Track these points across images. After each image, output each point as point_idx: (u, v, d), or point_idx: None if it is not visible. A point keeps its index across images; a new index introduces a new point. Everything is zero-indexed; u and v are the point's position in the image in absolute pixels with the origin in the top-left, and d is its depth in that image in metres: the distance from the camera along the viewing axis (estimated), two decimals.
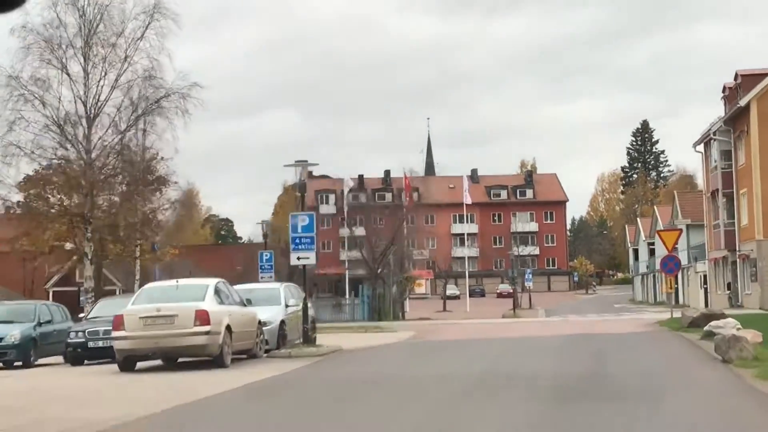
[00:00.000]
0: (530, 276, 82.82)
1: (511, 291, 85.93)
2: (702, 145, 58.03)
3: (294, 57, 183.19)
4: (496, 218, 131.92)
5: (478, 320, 52.05)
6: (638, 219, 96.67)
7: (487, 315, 63.52)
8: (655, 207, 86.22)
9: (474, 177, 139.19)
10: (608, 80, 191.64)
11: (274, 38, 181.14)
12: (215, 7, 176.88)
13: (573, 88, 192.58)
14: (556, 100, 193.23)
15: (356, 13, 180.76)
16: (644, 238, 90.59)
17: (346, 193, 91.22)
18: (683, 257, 69.90)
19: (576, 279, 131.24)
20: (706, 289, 62.77)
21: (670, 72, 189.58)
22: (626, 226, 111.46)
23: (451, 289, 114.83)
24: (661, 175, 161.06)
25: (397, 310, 55.83)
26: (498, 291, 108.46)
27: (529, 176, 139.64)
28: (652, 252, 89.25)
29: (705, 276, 62.71)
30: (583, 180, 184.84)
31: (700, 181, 70.25)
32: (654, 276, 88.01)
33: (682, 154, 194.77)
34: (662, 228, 77.33)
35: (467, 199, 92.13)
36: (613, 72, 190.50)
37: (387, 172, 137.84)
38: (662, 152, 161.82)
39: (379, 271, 54.63)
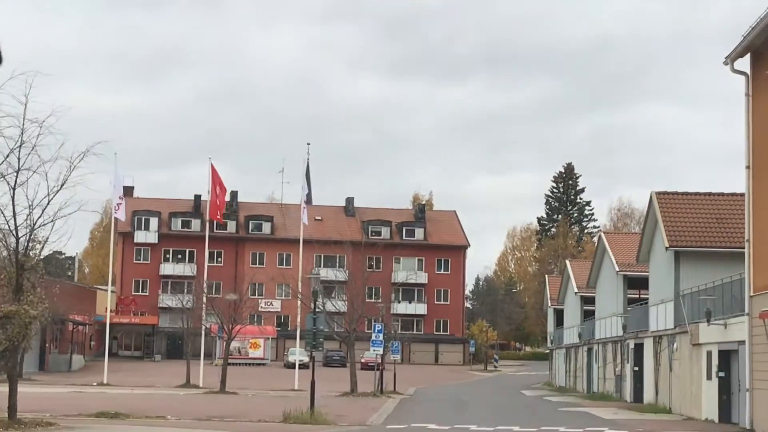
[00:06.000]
0: (380, 340, 50.04)
1: (378, 362, 54.54)
2: (747, 57, 25.91)
3: (231, 110, 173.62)
4: (374, 263, 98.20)
5: None
6: (567, 262, 64.36)
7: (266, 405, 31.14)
8: (602, 234, 53.80)
9: (348, 208, 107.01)
10: (543, 154, 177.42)
11: (215, 89, 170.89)
12: (155, 54, 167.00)
13: (507, 159, 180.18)
14: (490, 171, 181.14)
15: (302, 69, 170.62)
16: (576, 290, 58.60)
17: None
18: (660, 314, 37.41)
19: (473, 350, 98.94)
20: (724, 382, 30.02)
21: (606, 150, 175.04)
22: (546, 277, 79.37)
23: (298, 355, 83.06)
24: (585, 230, 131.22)
25: None
26: (363, 360, 75.89)
27: (421, 212, 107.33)
28: (588, 313, 56.95)
29: (725, 354, 29.93)
30: (496, 245, 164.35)
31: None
32: (590, 350, 55.50)
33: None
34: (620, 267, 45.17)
35: (304, 218, 60.08)
36: (549, 147, 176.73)
37: (234, 194, 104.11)
38: (588, 204, 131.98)
39: None
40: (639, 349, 42.85)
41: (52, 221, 23.39)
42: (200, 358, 57.10)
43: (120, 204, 54.80)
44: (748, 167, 26.13)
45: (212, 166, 57.74)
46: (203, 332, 59.17)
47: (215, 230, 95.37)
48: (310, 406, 28.20)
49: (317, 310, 32.18)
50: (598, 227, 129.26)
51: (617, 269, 46.51)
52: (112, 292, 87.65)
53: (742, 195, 31.44)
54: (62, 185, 23.54)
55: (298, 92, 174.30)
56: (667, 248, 35.62)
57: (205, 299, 58.30)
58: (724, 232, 35.67)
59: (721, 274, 31.41)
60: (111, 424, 24.99)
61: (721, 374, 30.38)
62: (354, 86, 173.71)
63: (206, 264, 63.79)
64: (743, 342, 26.91)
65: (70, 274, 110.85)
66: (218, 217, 60.33)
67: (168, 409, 31.69)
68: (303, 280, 64.09)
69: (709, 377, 31.47)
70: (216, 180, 58.22)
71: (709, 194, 37.98)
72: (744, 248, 27.11)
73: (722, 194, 37.82)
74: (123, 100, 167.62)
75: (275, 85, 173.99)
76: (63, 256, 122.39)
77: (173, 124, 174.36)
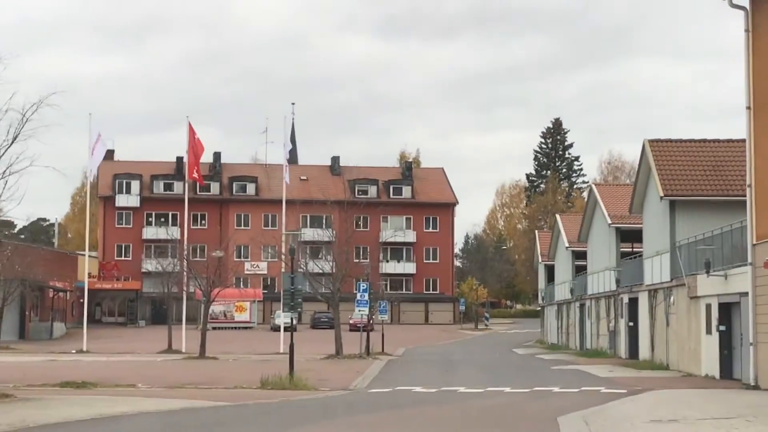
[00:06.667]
0: (366, 300, 48.71)
1: (365, 323, 52.84)
2: None
3: (215, 73, 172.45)
4: (361, 222, 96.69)
5: None
6: (558, 216, 62.93)
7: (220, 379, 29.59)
8: (593, 186, 52.17)
9: (334, 167, 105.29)
10: (533, 112, 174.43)
11: (200, 52, 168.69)
12: (141, 17, 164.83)
13: (496, 117, 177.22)
14: (478, 129, 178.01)
15: (290, 31, 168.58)
16: (567, 245, 57.16)
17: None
18: (655, 267, 35.94)
19: (463, 308, 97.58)
20: (725, 336, 28.66)
21: (596, 106, 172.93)
22: (536, 232, 77.95)
23: (283, 317, 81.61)
24: (575, 186, 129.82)
25: None
26: (351, 321, 74.24)
27: (408, 170, 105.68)
28: (580, 269, 55.62)
29: (726, 307, 28.57)
30: (485, 203, 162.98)
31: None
32: (583, 306, 54.15)
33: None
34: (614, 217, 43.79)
35: (286, 177, 58.47)
36: (539, 104, 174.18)
37: (217, 155, 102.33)
38: (576, 159, 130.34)
39: None
40: (633, 303, 41.43)
41: (2, 178, 21.72)
42: (183, 323, 55.57)
43: (93, 160, 52.93)
44: (748, 108, 24.50)
45: (190, 125, 55.85)
46: (185, 296, 57.48)
47: (198, 192, 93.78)
48: (289, 371, 26.70)
49: (299, 269, 30.63)
50: (588, 182, 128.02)
51: (609, 222, 44.93)
52: (92, 257, 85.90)
53: (738, 141, 29.96)
54: (14, 139, 21.83)
55: (284, 53, 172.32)
56: (661, 198, 34.06)
57: (186, 263, 56.45)
58: (720, 179, 34.17)
59: (717, 223, 29.94)
60: (74, 394, 23.46)
61: (722, 328, 28.93)
62: (341, 46, 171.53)
63: (186, 226, 62.11)
64: (746, 294, 25.42)
65: (53, 241, 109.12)
66: (194, 176, 58.33)
67: (141, 376, 30.17)
68: (287, 240, 62.56)
69: (708, 331, 30.02)
70: (193, 139, 56.37)
71: (704, 141, 36.38)
72: (744, 195, 25.60)
73: (717, 141, 36.27)
74: (107, 65, 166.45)
75: (261, 46, 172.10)
76: (47, 223, 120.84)
77: (158, 89, 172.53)
